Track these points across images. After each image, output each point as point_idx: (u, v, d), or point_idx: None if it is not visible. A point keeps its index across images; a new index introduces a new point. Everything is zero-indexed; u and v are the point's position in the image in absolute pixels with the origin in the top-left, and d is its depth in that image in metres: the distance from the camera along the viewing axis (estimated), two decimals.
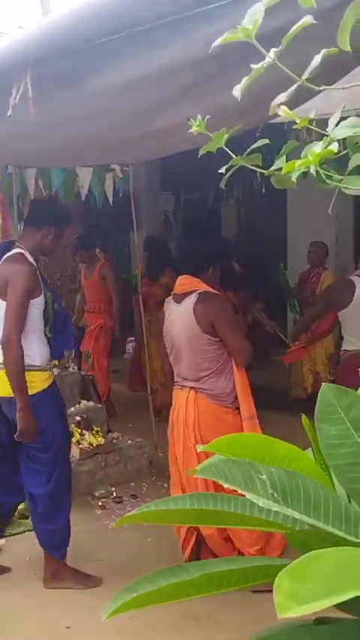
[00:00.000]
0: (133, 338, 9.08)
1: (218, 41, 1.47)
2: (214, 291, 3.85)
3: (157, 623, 3.50)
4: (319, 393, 1.44)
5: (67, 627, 3.51)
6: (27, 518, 4.77)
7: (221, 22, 2.36)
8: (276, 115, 3.63)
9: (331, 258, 7.41)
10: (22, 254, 3.74)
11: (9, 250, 3.80)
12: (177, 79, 2.67)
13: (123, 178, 5.24)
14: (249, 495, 1.17)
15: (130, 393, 8.12)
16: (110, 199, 5.32)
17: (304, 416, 1.51)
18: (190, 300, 3.79)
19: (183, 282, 3.89)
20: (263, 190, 10.27)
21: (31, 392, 3.67)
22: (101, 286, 7.18)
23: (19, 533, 4.61)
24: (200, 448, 1.31)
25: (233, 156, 1.83)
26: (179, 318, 3.83)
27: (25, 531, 4.62)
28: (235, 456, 1.25)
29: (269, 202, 10.35)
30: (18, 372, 3.61)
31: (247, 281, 7.00)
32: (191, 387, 3.83)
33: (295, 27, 1.40)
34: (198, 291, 3.78)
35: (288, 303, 7.76)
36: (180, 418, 3.86)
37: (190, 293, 3.81)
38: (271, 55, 1.44)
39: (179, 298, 3.87)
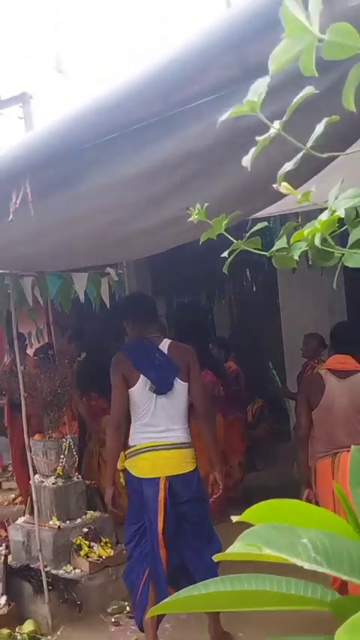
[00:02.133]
0: None
1: (225, 116, 1.50)
2: None
3: None
4: (350, 458, 1.39)
5: None
6: None
7: (211, 116, 2.46)
8: (265, 205, 3.73)
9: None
10: None
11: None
12: (171, 174, 2.75)
13: (118, 282, 5.31)
14: (293, 559, 1.11)
15: None
16: (107, 303, 5.36)
17: (334, 481, 1.45)
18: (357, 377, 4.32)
19: (344, 360, 4.39)
20: (254, 288, 10.49)
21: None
22: None
23: None
24: (236, 518, 1.25)
25: (234, 240, 1.85)
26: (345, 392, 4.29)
27: None
28: (272, 522, 1.19)
29: (261, 299, 10.52)
30: None
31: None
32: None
33: (298, 97, 1.44)
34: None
35: (284, 401, 7.71)
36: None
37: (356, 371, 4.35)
38: (276, 125, 1.48)
39: (343, 375, 4.33)
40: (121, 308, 4.58)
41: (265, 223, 2.15)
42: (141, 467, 4.16)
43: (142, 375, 4.17)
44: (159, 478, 4.11)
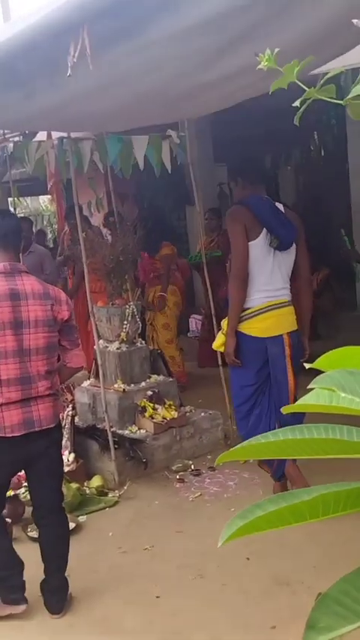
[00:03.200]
0: (198, 316, 9.00)
1: None
2: None
3: (248, 589, 3.41)
4: None
5: (157, 597, 3.45)
6: (106, 494, 4.76)
7: None
8: (338, 52, 3.44)
9: None
10: None
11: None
12: (240, 18, 2.53)
13: (180, 145, 5.11)
14: None
15: (199, 370, 8.02)
16: (168, 168, 5.19)
17: None
18: None
19: None
20: (322, 153, 10.03)
21: None
22: None
23: (98, 510, 4.58)
24: (308, 365, 1.20)
25: (306, 89, 1.69)
26: None
27: (104, 508, 4.59)
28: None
29: (329, 166, 10.08)
30: None
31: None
32: None
33: None
34: None
35: (355, 268, 7.55)
36: None
37: None
38: None
39: None
40: (234, 166, 4.53)
41: (343, 69, 1.96)
42: (264, 327, 4.20)
43: (264, 229, 4.15)
44: (282, 335, 4.20)
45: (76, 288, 7.75)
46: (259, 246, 4.15)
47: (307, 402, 1.20)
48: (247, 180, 4.33)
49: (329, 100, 1.70)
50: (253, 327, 4.21)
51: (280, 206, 4.32)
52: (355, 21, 1.67)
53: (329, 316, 7.82)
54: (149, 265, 7.06)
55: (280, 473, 4.29)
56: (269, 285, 4.19)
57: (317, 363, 1.18)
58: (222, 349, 4.42)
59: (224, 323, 4.38)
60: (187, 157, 5.37)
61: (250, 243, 4.14)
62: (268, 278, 4.18)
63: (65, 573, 3.43)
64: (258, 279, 4.17)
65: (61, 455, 3.57)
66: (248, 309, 4.21)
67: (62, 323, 3.36)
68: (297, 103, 1.76)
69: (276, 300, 4.20)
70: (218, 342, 4.45)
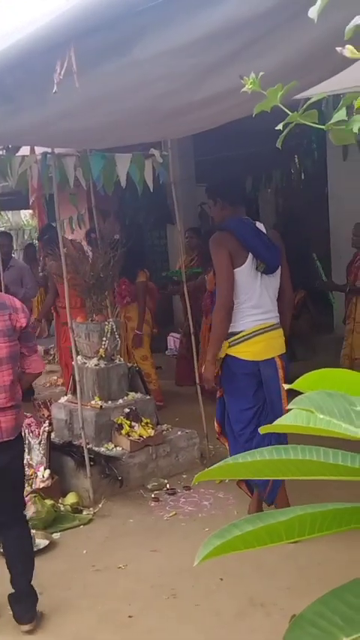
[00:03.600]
0: (176, 334, 9.02)
1: None
2: None
3: (222, 610, 3.40)
4: None
5: (130, 616, 3.42)
6: (80, 512, 4.72)
7: None
8: (322, 77, 3.50)
9: None
10: None
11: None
12: (227, 41, 2.58)
13: (163, 164, 5.15)
14: (345, 426, 1.08)
15: (176, 388, 8.02)
16: (150, 186, 5.23)
17: None
18: None
19: None
20: (302, 177, 10.15)
21: None
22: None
23: (73, 527, 4.54)
24: (287, 386, 1.22)
25: (289, 113, 1.72)
26: None
27: (79, 525, 4.56)
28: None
29: (309, 189, 10.20)
30: None
31: None
32: None
33: None
34: None
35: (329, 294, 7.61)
36: None
37: None
38: None
39: None
40: (213, 186, 4.47)
41: (325, 94, 1.99)
42: (256, 350, 4.18)
43: (249, 255, 4.14)
44: (274, 358, 4.20)
45: (49, 302, 7.79)
46: (245, 272, 4.13)
47: (284, 422, 1.22)
48: (227, 201, 4.30)
49: (312, 124, 1.73)
50: (244, 351, 4.20)
51: (262, 226, 4.31)
52: (338, 49, 1.71)
53: (306, 338, 7.88)
54: (126, 291, 7.06)
55: (274, 497, 4.25)
56: (258, 308, 4.19)
57: (296, 384, 1.20)
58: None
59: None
60: (170, 176, 5.41)
61: (236, 270, 4.11)
62: (257, 301, 4.18)
63: (32, 581, 3.41)
64: (247, 304, 4.17)
65: (23, 466, 3.57)
66: (239, 332, 4.19)
67: (21, 331, 3.38)
68: (280, 127, 1.79)
69: (265, 323, 4.20)
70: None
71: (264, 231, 4.28)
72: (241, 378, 4.24)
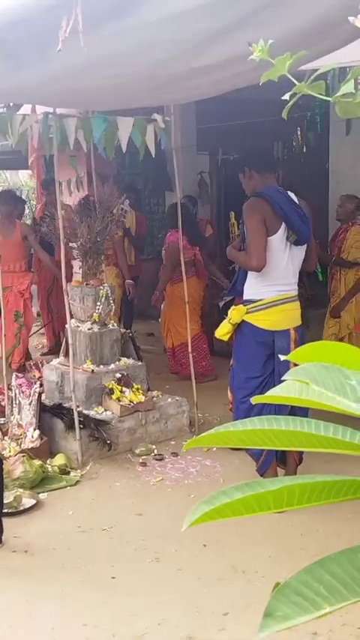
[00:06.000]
0: None
1: None
2: None
3: (204, 575, 3.45)
4: None
5: (112, 577, 3.47)
6: (68, 473, 4.76)
7: None
8: (332, 47, 3.45)
9: None
10: None
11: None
12: (235, 4, 2.53)
13: (165, 129, 5.09)
14: (339, 399, 1.09)
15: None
16: (152, 151, 5.17)
17: None
18: None
19: None
20: (304, 150, 10.07)
21: None
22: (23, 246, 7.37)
23: (60, 488, 4.58)
24: (283, 357, 1.22)
25: (296, 83, 1.70)
26: None
27: (66, 486, 4.60)
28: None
29: (310, 162, 10.13)
30: None
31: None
32: None
33: None
34: None
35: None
36: None
37: None
38: None
39: None
40: (246, 156, 4.42)
41: (334, 65, 1.96)
42: (274, 320, 4.19)
43: (282, 224, 4.11)
44: (289, 330, 4.21)
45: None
46: (277, 241, 4.10)
47: (277, 394, 1.22)
48: (254, 169, 4.23)
49: (318, 96, 1.71)
50: (262, 320, 4.20)
51: (294, 197, 4.25)
52: (351, 18, 1.68)
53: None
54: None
55: (265, 469, 4.29)
56: (282, 279, 4.18)
57: (293, 356, 1.20)
58: (225, 338, 4.41)
59: (231, 312, 4.35)
60: (171, 143, 5.35)
61: (268, 238, 4.08)
62: (282, 272, 4.17)
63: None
64: (272, 273, 4.14)
65: None
66: (259, 300, 4.20)
67: None
68: (286, 97, 1.77)
69: (286, 294, 4.20)
70: (223, 331, 4.39)
71: (297, 202, 4.23)
72: (253, 345, 4.26)
